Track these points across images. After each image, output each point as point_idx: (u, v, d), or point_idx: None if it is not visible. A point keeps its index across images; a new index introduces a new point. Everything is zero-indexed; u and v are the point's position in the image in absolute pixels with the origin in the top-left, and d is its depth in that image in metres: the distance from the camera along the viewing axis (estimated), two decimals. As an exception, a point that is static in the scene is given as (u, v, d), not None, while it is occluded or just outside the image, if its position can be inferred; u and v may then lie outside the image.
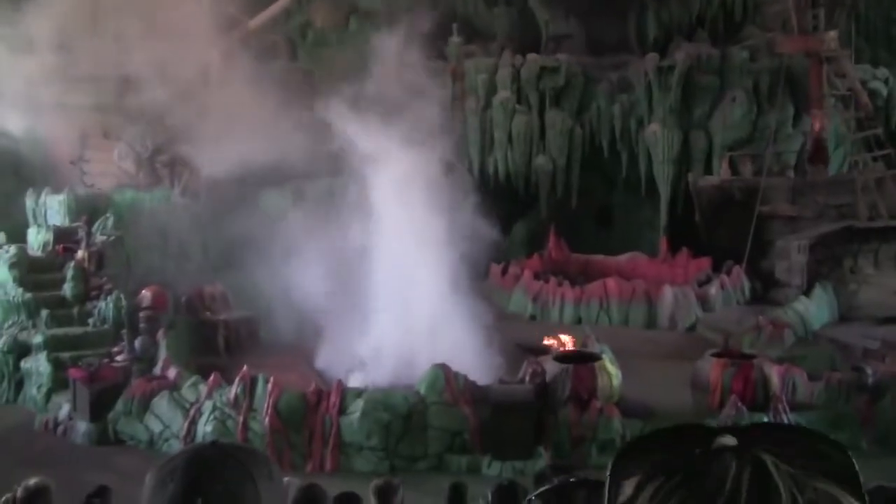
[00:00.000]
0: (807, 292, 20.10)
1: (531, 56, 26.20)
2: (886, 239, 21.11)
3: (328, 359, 16.34)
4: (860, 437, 13.69)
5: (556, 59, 26.06)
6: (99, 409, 14.50)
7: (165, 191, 21.88)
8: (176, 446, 13.68)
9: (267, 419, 13.53)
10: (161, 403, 14.33)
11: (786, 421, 13.45)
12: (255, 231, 18.46)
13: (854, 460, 1.27)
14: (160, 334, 16.26)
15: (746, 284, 21.41)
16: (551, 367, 14.19)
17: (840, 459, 1.26)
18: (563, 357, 14.97)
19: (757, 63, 24.98)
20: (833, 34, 23.34)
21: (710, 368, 14.40)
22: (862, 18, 27.61)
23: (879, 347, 17.50)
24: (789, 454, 1.22)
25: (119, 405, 14.50)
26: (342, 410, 13.60)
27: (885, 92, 25.86)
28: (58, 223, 20.28)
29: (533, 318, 21.25)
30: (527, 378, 14.02)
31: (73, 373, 15.02)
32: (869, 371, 14.56)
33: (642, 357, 17.27)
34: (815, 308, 19.65)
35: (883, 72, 26.20)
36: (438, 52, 25.34)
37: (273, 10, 22.00)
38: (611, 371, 14.41)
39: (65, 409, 15.14)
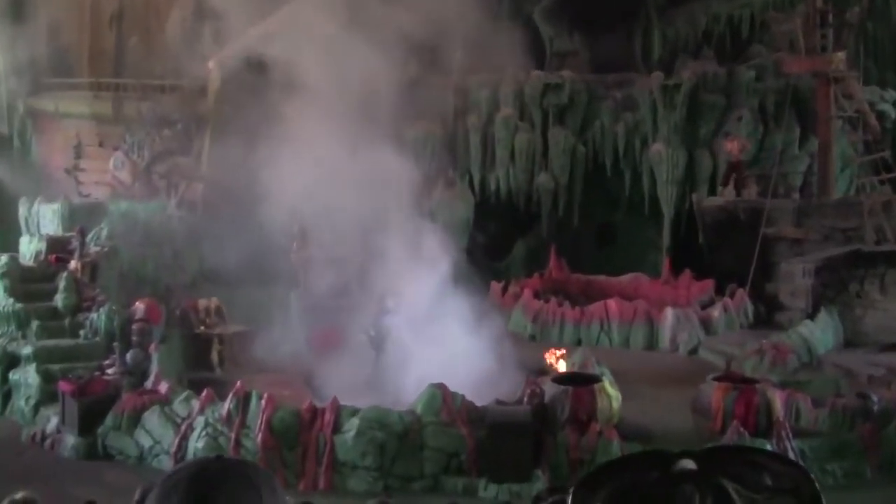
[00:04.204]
0: (811, 316, 20.02)
1: (534, 73, 26.20)
2: (893, 263, 21.05)
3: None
4: (864, 464, 13.62)
5: (559, 76, 26.06)
6: (88, 422, 14.41)
7: (161, 202, 21.88)
8: (166, 462, 13.64)
9: (260, 436, 13.46)
10: (152, 418, 14.25)
11: (789, 448, 13.38)
12: (254, 245, 18.56)
13: (814, 480, 1.27)
14: (152, 347, 16.23)
15: (750, 307, 21.33)
16: (550, 389, 14.13)
17: (800, 480, 1.27)
18: (563, 378, 14.92)
19: (763, 82, 25.01)
20: (841, 55, 23.38)
21: (712, 392, 14.33)
22: (870, 40, 27.66)
23: (885, 374, 17.45)
24: (749, 477, 1.23)
25: (108, 419, 14.41)
26: (337, 429, 13.53)
27: (892, 114, 25.87)
28: (51, 232, 20.26)
29: (532, 338, 21.15)
30: (525, 399, 13.96)
31: (62, 385, 14.94)
32: (874, 398, 14.50)
33: (643, 380, 17.20)
34: (820, 333, 19.58)
35: (891, 94, 26.23)
36: (441, 68, 25.41)
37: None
38: (611, 393, 14.35)
39: (53, 422, 15.06)
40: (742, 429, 13.52)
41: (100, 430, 14.37)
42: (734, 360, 18.09)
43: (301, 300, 19.71)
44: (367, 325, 16.83)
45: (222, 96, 23.20)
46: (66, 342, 16.96)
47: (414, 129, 24.95)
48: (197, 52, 22.95)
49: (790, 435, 13.58)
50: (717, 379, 14.92)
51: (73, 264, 18.22)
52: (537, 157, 26.12)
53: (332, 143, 17.72)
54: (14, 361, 16.74)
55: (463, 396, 13.80)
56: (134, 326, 16.53)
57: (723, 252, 22.84)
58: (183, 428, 13.94)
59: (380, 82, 19.28)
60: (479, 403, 13.84)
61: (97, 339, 16.96)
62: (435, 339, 15.94)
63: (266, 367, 17.25)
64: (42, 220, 20.93)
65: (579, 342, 20.36)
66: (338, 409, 13.71)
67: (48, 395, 15.69)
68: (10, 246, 20.48)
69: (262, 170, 18.34)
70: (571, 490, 1.33)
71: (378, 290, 17.20)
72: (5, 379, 16.65)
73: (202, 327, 18.39)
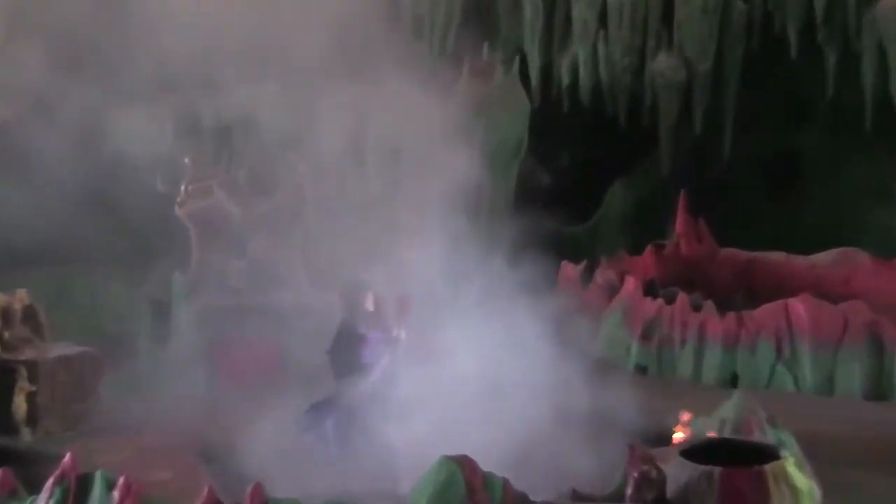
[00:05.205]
0: None
1: None
2: None
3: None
4: None
5: None
6: None
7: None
8: None
9: (108, 557, 13.25)
10: None
11: None
12: (101, 190, 19.00)
13: None
14: None
15: None
16: (679, 470, 13.74)
17: None
18: (702, 450, 14.54)
19: None
20: None
21: None
22: None
23: None
24: None
25: None
26: (263, 541, 13.31)
27: None
28: None
29: (642, 368, 21.50)
30: (629, 489, 13.58)
31: None
32: None
33: (861, 457, 17.12)
34: None
35: None
36: None
37: None
38: (798, 481, 13.98)
39: None
40: None
41: None
42: None
43: (196, 293, 20.09)
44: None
45: None
46: None
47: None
48: None
49: None
50: None
51: None
52: (651, 23, 26.59)
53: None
54: None
55: (505, 481, 13.43)
56: None
57: None
58: (-46, 544, 13.81)
59: None
60: (535, 495, 13.52)
61: None
62: (452, 370, 15.90)
63: (125, 426, 17.36)
64: None
65: (734, 380, 20.56)
66: (263, 505, 13.41)
67: None
68: None
69: (117, 38, 18.67)
70: None
71: (346, 277, 17.32)
72: None
73: (-4, 348, 18.74)
